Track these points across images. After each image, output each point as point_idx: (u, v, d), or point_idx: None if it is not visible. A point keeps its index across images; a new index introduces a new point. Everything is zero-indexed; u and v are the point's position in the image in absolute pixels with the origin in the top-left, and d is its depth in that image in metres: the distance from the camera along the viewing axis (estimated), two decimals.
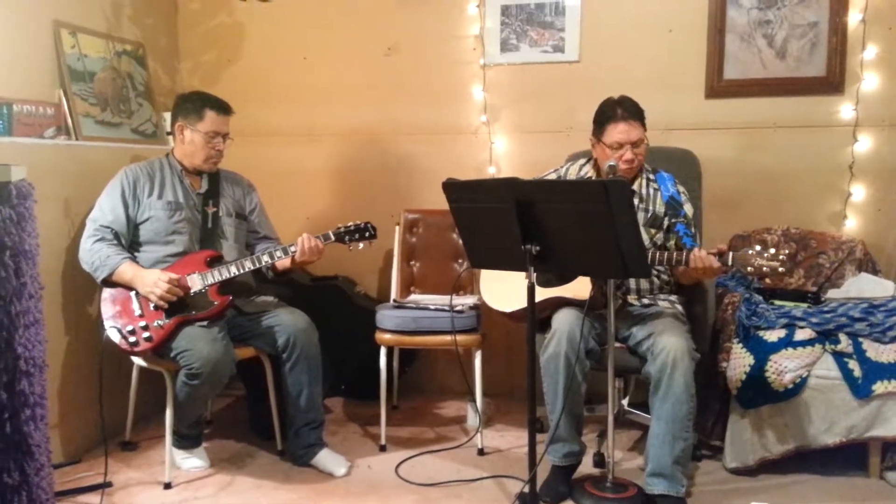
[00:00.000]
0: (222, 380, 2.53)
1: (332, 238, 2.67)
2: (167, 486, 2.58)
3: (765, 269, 2.16)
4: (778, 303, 2.86)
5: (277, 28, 3.62)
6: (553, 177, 2.77)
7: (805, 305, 2.81)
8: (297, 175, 3.64)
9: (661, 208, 2.58)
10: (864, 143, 3.13)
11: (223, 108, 2.73)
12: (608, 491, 2.42)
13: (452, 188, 2.25)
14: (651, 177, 2.64)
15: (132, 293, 2.56)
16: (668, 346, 2.30)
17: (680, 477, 2.32)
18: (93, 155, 2.90)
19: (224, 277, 2.60)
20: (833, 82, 3.13)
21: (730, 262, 2.23)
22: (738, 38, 3.20)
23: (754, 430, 2.59)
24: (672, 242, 2.55)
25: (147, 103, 3.36)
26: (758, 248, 2.20)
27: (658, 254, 2.38)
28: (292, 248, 2.62)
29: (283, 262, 2.70)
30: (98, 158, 2.90)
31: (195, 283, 2.58)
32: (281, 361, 2.69)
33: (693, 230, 2.55)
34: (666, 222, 2.57)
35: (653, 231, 2.57)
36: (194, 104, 2.71)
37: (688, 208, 2.58)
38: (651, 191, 2.61)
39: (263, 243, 2.88)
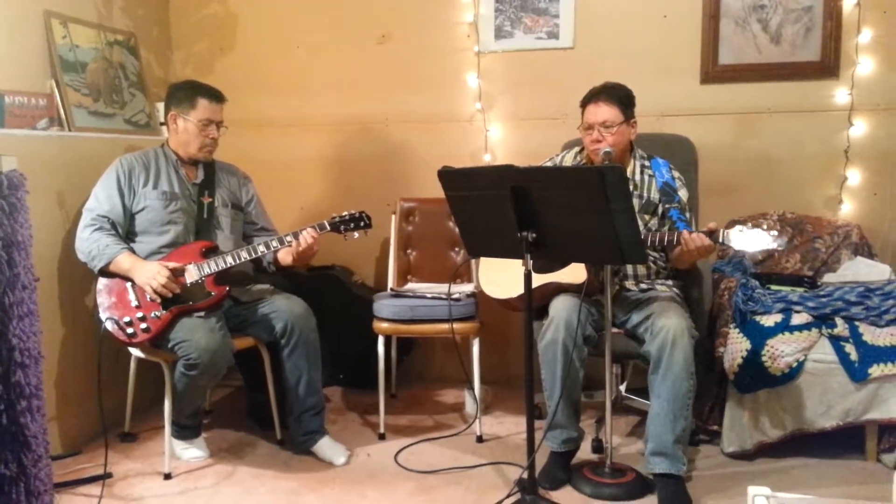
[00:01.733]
0: (220, 370, 2.53)
1: (328, 228, 2.66)
2: (167, 476, 2.58)
3: (756, 245, 2.17)
4: (774, 287, 2.87)
5: (270, 17, 3.60)
6: (549, 165, 2.77)
7: (801, 290, 2.82)
8: (292, 165, 3.63)
9: (655, 195, 2.58)
10: (860, 128, 3.13)
11: (215, 96, 2.72)
12: (607, 476, 2.44)
13: (448, 176, 2.24)
14: (646, 163, 2.63)
15: (128, 284, 2.55)
16: (666, 324, 2.30)
17: (681, 456, 2.32)
18: (86, 146, 2.88)
19: (220, 268, 2.59)
20: (828, 67, 3.12)
21: (720, 239, 2.23)
22: (733, 23, 3.19)
23: (752, 414, 2.60)
24: (666, 228, 2.55)
25: (140, 93, 3.34)
26: (749, 224, 2.20)
27: (650, 235, 2.38)
28: (289, 239, 2.61)
29: (286, 259, 2.70)
30: (91, 149, 2.89)
31: (191, 273, 2.57)
32: (279, 348, 2.69)
33: (688, 215, 2.55)
34: (660, 208, 2.57)
35: (647, 217, 2.57)
36: (186, 93, 2.70)
37: (682, 194, 2.57)
38: (646, 177, 2.61)
39: (262, 235, 2.87)
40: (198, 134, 2.69)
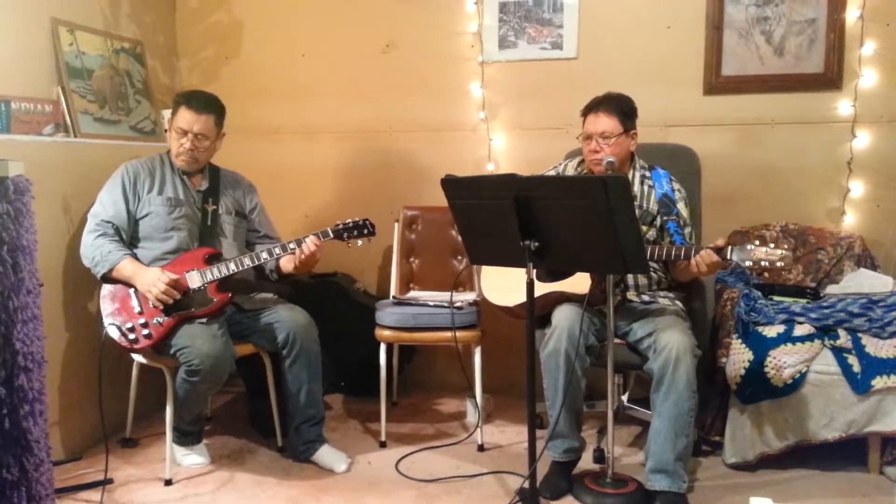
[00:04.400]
0: (222, 376, 2.54)
1: (331, 235, 2.66)
2: (168, 482, 2.58)
3: (763, 263, 2.17)
4: (777, 298, 2.86)
5: (276, 25, 3.62)
6: (552, 174, 2.78)
7: (804, 301, 2.81)
8: (296, 173, 3.64)
9: (653, 206, 2.58)
10: (863, 140, 3.13)
11: (192, 105, 2.66)
12: (608, 486, 2.43)
13: (451, 185, 2.25)
14: (647, 174, 2.64)
15: (131, 290, 2.56)
16: (670, 343, 2.30)
17: (682, 473, 2.32)
18: (91, 152, 2.90)
19: (223, 274, 2.59)
20: (831, 79, 3.13)
21: (729, 256, 2.24)
22: (737, 35, 3.20)
23: (754, 425, 2.59)
24: (667, 241, 2.55)
25: (145, 101, 3.35)
26: (756, 242, 2.21)
27: (657, 249, 2.38)
28: (291, 246, 2.61)
29: (287, 266, 2.70)
30: (96, 156, 2.90)
31: (194, 280, 2.58)
32: (281, 358, 2.69)
33: (687, 229, 2.55)
34: (659, 220, 2.57)
35: (644, 228, 2.57)
36: (178, 99, 2.72)
37: (681, 207, 2.58)
38: (645, 188, 2.61)
39: (265, 242, 2.87)
40: (174, 140, 2.71)
